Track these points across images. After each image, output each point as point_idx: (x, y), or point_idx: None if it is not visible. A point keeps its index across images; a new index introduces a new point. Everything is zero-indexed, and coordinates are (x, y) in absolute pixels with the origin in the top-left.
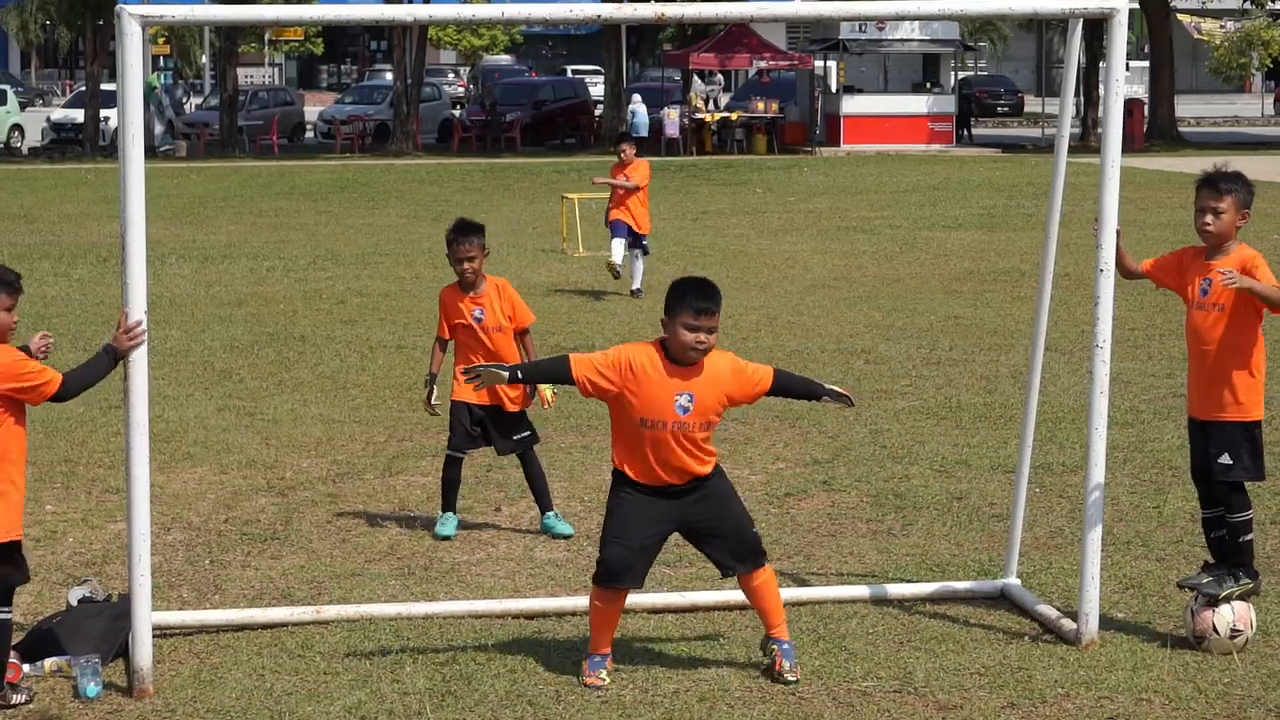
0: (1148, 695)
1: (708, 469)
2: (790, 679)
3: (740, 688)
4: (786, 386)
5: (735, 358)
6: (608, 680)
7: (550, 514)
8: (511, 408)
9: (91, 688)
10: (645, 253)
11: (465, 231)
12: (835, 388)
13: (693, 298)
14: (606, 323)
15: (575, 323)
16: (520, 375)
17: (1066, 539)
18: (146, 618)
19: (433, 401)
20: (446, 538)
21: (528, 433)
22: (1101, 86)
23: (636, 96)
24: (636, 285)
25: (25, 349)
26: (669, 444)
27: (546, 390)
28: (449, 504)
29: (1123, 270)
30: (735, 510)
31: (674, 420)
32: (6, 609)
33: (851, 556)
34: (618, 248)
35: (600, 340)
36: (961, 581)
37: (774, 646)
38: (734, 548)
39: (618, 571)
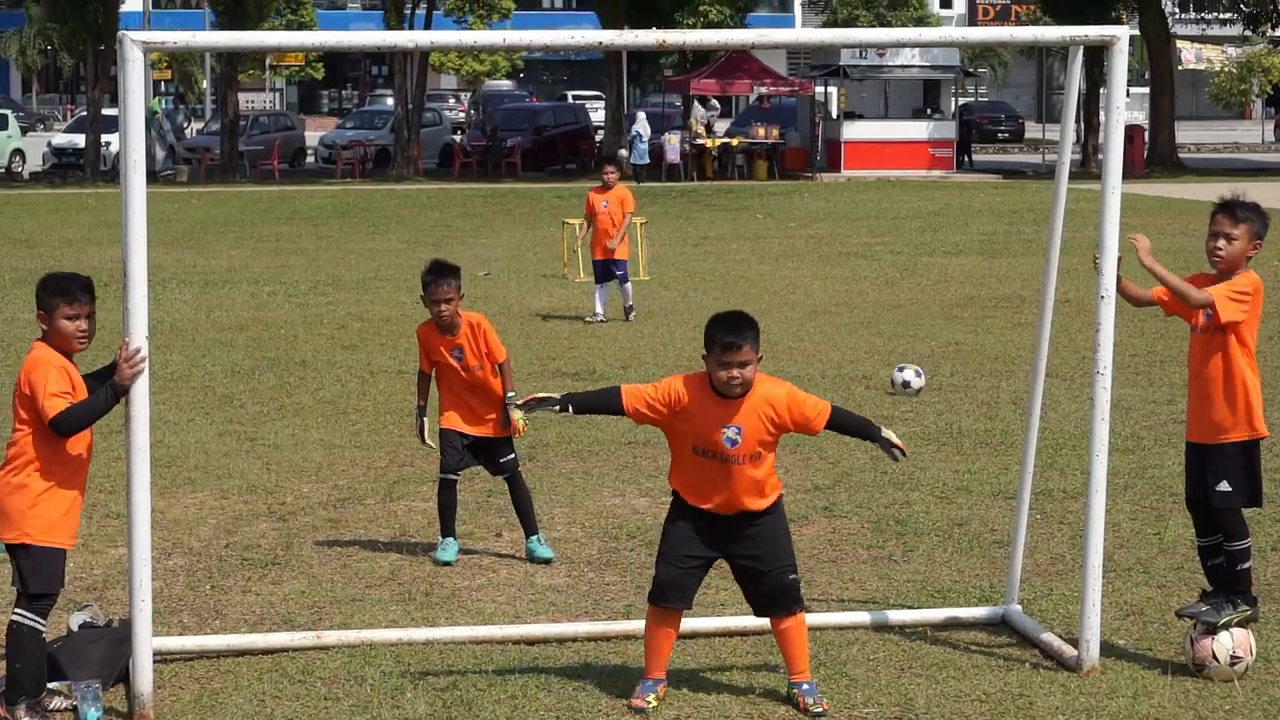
0: None
1: (761, 504)
2: (817, 711)
3: (741, 713)
4: (843, 423)
5: (793, 389)
6: (652, 704)
7: (534, 538)
8: (500, 434)
9: (92, 713)
10: (625, 279)
11: (441, 274)
12: (890, 436)
13: (719, 333)
14: (607, 348)
15: (576, 348)
16: (571, 407)
17: (1067, 565)
18: (147, 643)
19: (425, 434)
20: (447, 563)
21: (513, 455)
22: (1102, 113)
23: (641, 116)
24: (629, 303)
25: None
26: (719, 473)
27: (519, 420)
28: (448, 529)
29: (1131, 299)
30: (781, 553)
31: (724, 452)
32: (31, 617)
33: (852, 583)
34: (600, 298)
35: (601, 365)
36: (963, 608)
37: (795, 690)
38: (770, 591)
39: (664, 590)
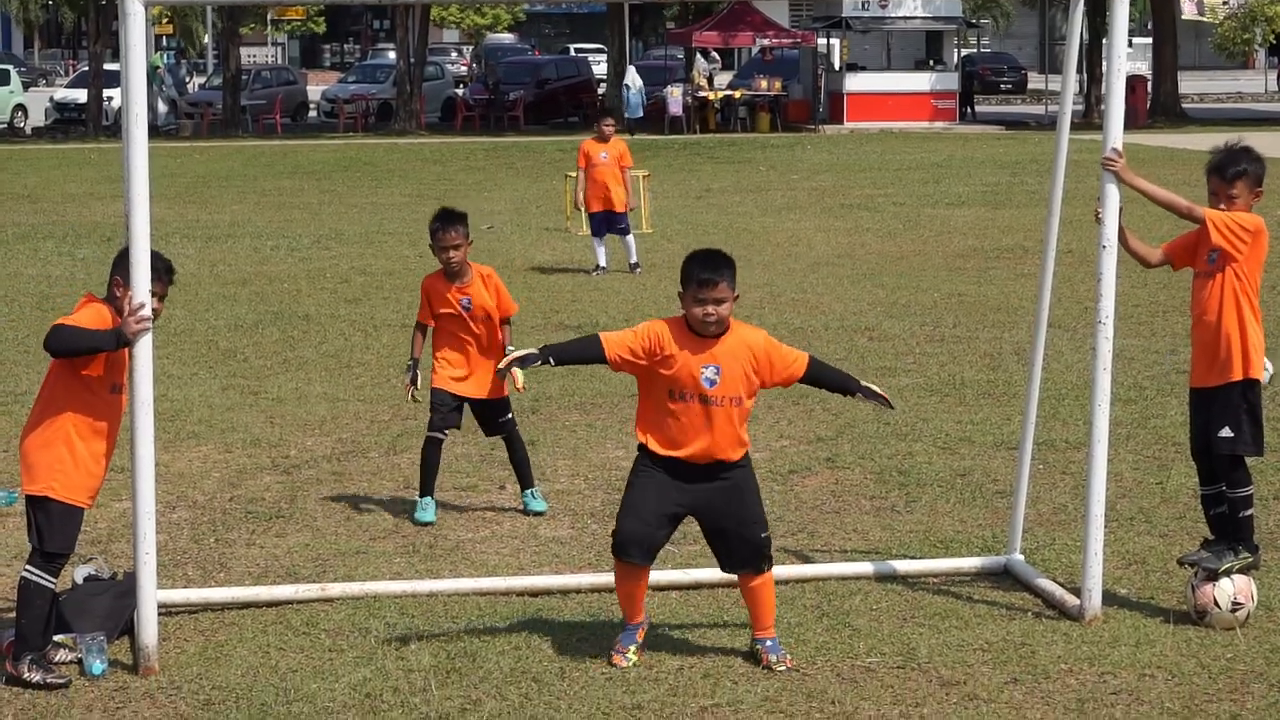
0: (1150, 670)
1: (735, 456)
2: (781, 669)
3: (744, 665)
4: (820, 376)
5: (769, 337)
6: (632, 660)
7: (529, 491)
8: (494, 396)
9: (97, 665)
10: (627, 231)
11: (449, 220)
12: (873, 386)
13: (696, 269)
14: (610, 300)
15: (579, 300)
16: (551, 358)
17: (1069, 515)
18: (152, 595)
19: (416, 386)
20: (428, 523)
21: (510, 416)
22: (1104, 63)
23: (631, 70)
24: (633, 259)
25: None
26: (697, 417)
27: (519, 377)
28: (428, 488)
29: (1141, 259)
30: (750, 510)
31: (700, 393)
32: (43, 575)
33: (855, 533)
34: (600, 251)
35: (604, 319)
36: (965, 558)
37: (758, 646)
38: (738, 547)
39: (626, 544)
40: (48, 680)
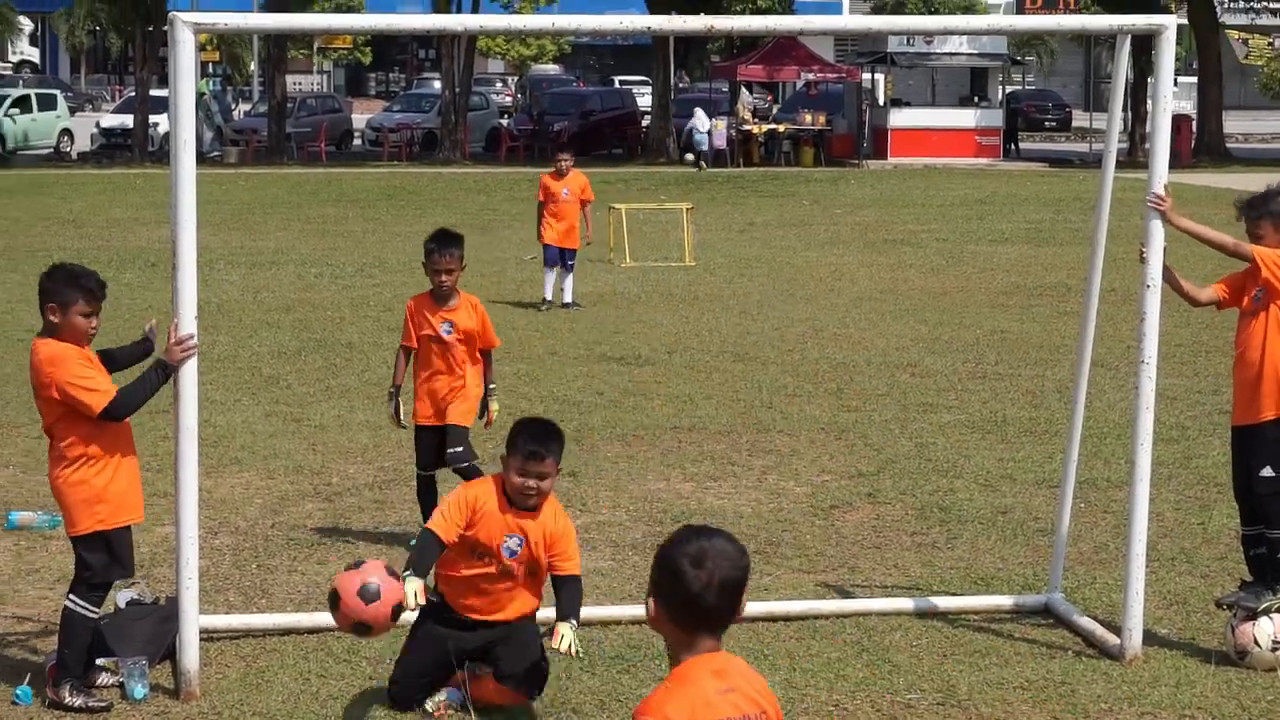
0: (1191, 712)
1: (517, 615)
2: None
3: (783, 698)
4: (564, 594)
5: (573, 533)
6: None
7: None
8: (458, 421)
9: (139, 689)
10: (571, 269)
11: (446, 242)
12: (562, 647)
13: (524, 440)
14: (652, 334)
15: (622, 333)
16: (416, 574)
17: (1111, 554)
18: (194, 621)
19: (401, 415)
20: None
21: (463, 449)
22: (1149, 102)
23: (699, 111)
24: (568, 299)
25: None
26: (492, 579)
27: (495, 411)
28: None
29: (1189, 299)
30: (528, 658)
31: (501, 560)
32: (86, 606)
33: (896, 569)
34: (550, 281)
35: (646, 350)
36: (1006, 595)
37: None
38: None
39: (397, 701)
40: (89, 705)
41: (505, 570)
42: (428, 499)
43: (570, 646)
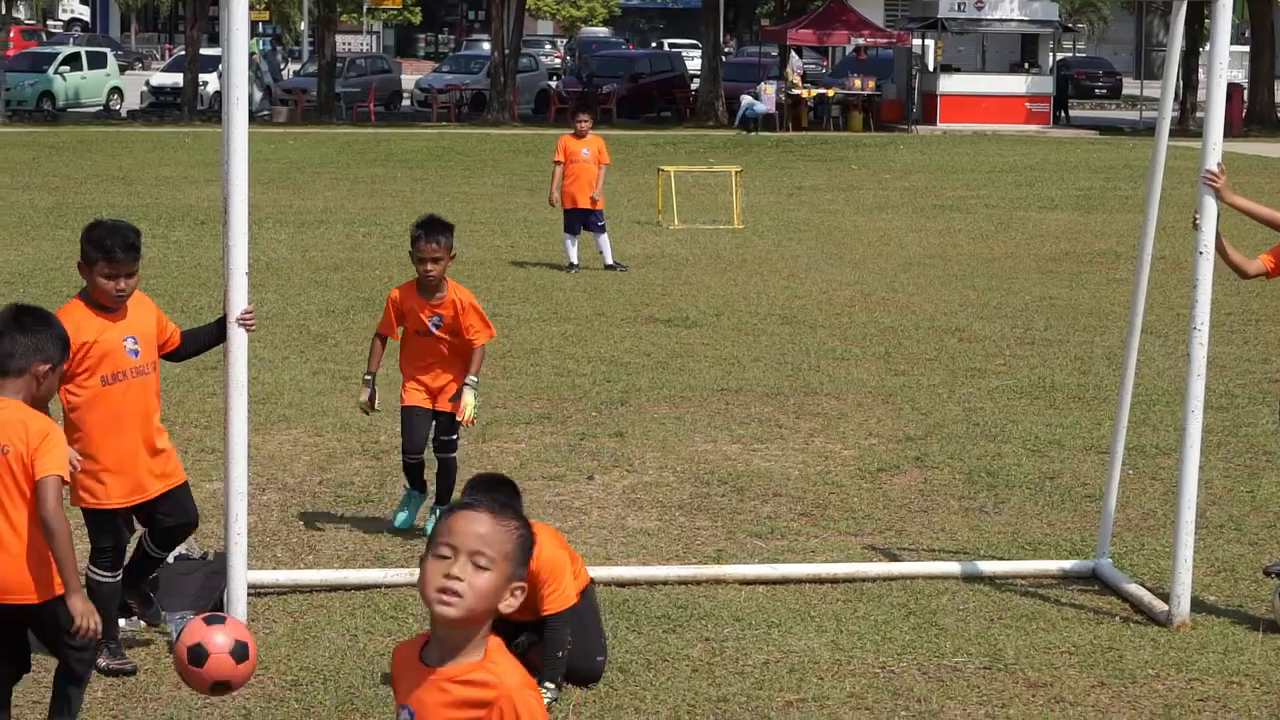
0: (1238, 679)
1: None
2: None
3: (830, 660)
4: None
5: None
6: None
7: (440, 508)
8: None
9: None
10: (603, 229)
11: (433, 229)
12: (554, 682)
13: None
14: (700, 296)
15: (669, 295)
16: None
17: (1159, 521)
18: (242, 576)
19: (375, 402)
20: (401, 527)
21: (456, 438)
22: (1201, 70)
23: (752, 96)
24: (610, 261)
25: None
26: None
27: (469, 408)
28: (419, 486)
29: (1238, 270)
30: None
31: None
32: (107, 573)
33: (943, 533)
34: (572, 249)
35: (694, 313)
36: (1053, 560)
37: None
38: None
39: None
40: (112, 667)
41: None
42: (418, 481)
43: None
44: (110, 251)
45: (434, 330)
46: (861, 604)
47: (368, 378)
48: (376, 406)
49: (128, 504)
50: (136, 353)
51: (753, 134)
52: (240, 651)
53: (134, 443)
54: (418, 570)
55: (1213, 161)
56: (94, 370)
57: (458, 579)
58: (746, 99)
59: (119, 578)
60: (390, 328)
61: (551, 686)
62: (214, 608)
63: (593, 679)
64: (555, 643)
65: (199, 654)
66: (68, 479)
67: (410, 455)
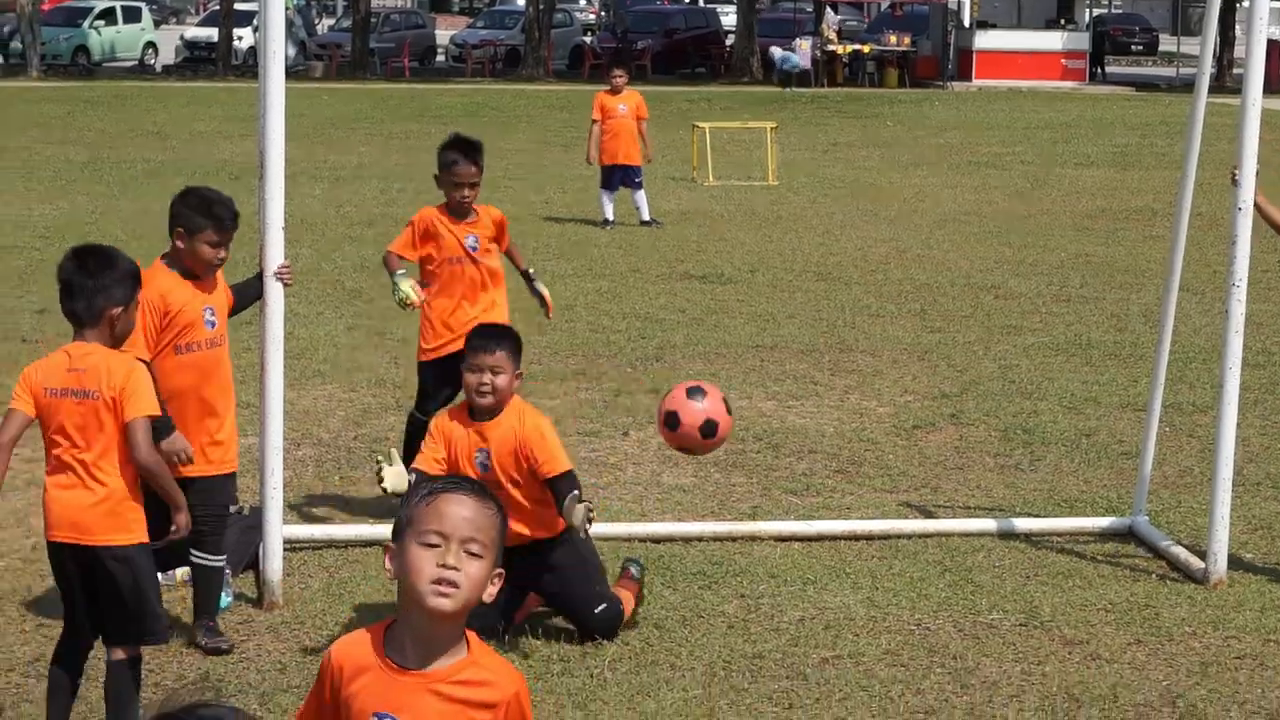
0: (1276, 636)
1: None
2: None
3: (865, 616)
4: (558, 493)
5: (548, 426)
6: None
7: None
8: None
9: (223, 598)
10: (640, 186)
11: (470, 151)
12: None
13: (472, 336)
14: (735, 252)
15: (704, 251)
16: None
17: (1196, 478)
18: (278, 531)
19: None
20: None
21: None
22: (1238, 26)
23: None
24: (645, 217)
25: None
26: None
27: (547, 294)
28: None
29: (1276, 227)
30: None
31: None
32: (216, 558)
33: (979, 490)
34: (608, 205)
35: (729, 269)
36: (1089, 518)
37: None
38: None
39: None
40: (209, 645)
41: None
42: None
43: (583, 521)
44: (220, 220)
45: (470, 251)
46: (897, 561)
47: (400, 272)
48: (423, 296)
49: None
50: (213, 324)
51: (789, 91)
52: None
53: (197, 413)
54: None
55: (1254, 115)
56: (173, 340)
57: (454, 569)
58: (779, 52)
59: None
60: (408, 248)
61: (577, 493)
62: (250, 563)
63: (596, 631)
64: (573, 483)
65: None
66: (158, 414)
67: (422, 414)
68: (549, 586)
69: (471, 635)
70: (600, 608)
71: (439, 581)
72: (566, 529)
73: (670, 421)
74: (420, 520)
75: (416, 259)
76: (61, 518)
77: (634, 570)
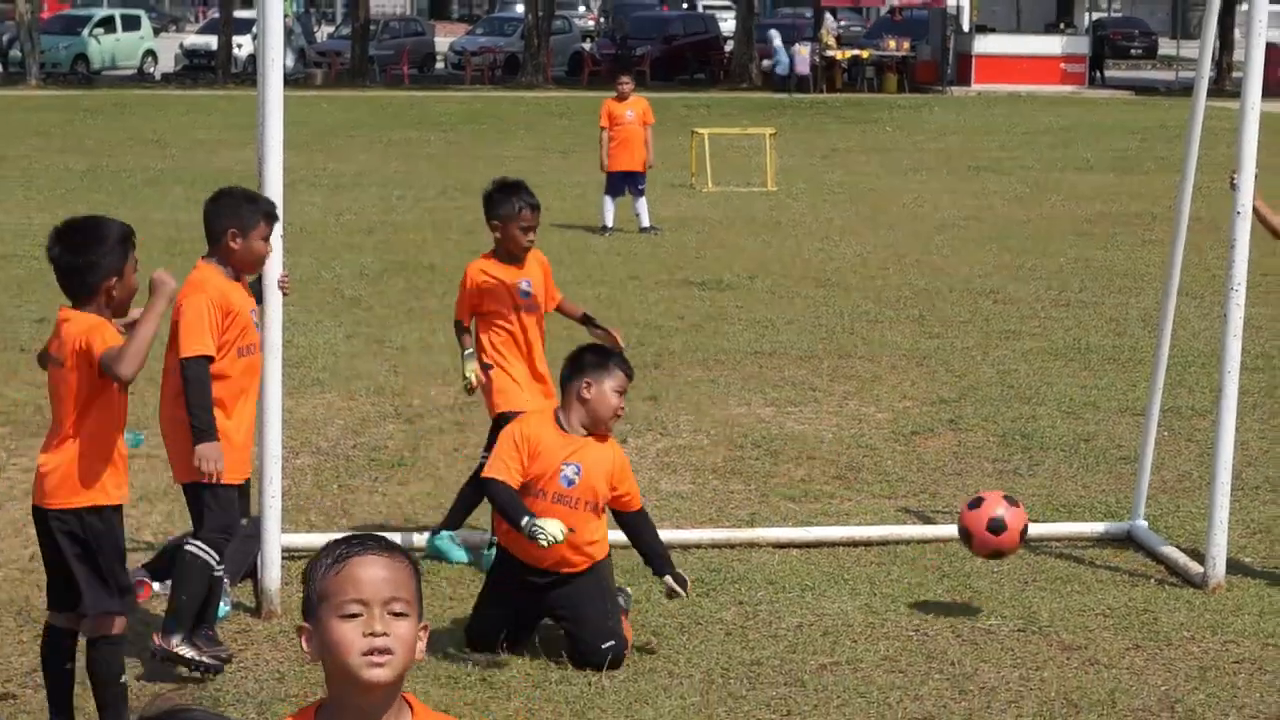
0: (1274, 640)
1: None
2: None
3: (863, 623)
4: (644, 536)
5: (626, 458)
6: None
7: (446, 534)
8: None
9: (221, 607)
10: (643, 193)
11: (532, 196)
12: (678, 574)
13: (619, 360)
14: (734, 259)
15: (703, 257)
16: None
17: (1194, 483)
18: (276, 540)
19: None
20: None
21: None
22: (1239, 30)
23: (774, 34)
24: (645, 224)
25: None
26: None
27: (472, 377)
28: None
29: (1273, 231)
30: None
31: (555, 492)
32: (216, 555)
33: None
34: (610, 211)
35: (728, 275)
36: (1088, 523)
37: None
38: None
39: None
40: (201, 659)
41: (561, 499)
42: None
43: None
44: (271, 214)
45: (524, 298)
46: (895, 567)
47: (468, 352)
48: (484, 376)
49: (242, 481)
50: (260, 326)
51: (785, 96)
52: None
53: (253, 415)
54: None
55: (1253, 119)
56: (233, 341)
57: (383, 634)
58: (776, 40)
59: (223, 566)
60: (467, 311)
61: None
62: (248, 572)
63: (596, 665)
64: (651, 528)
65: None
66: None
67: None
68: (565, 613)
69: (410, 696)
70: (609, 644)
71: (370, 652)
72: (602, 563)
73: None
74: (334, 592)
75: (467, 319)
76: (34, 482)
77: (622, 601)
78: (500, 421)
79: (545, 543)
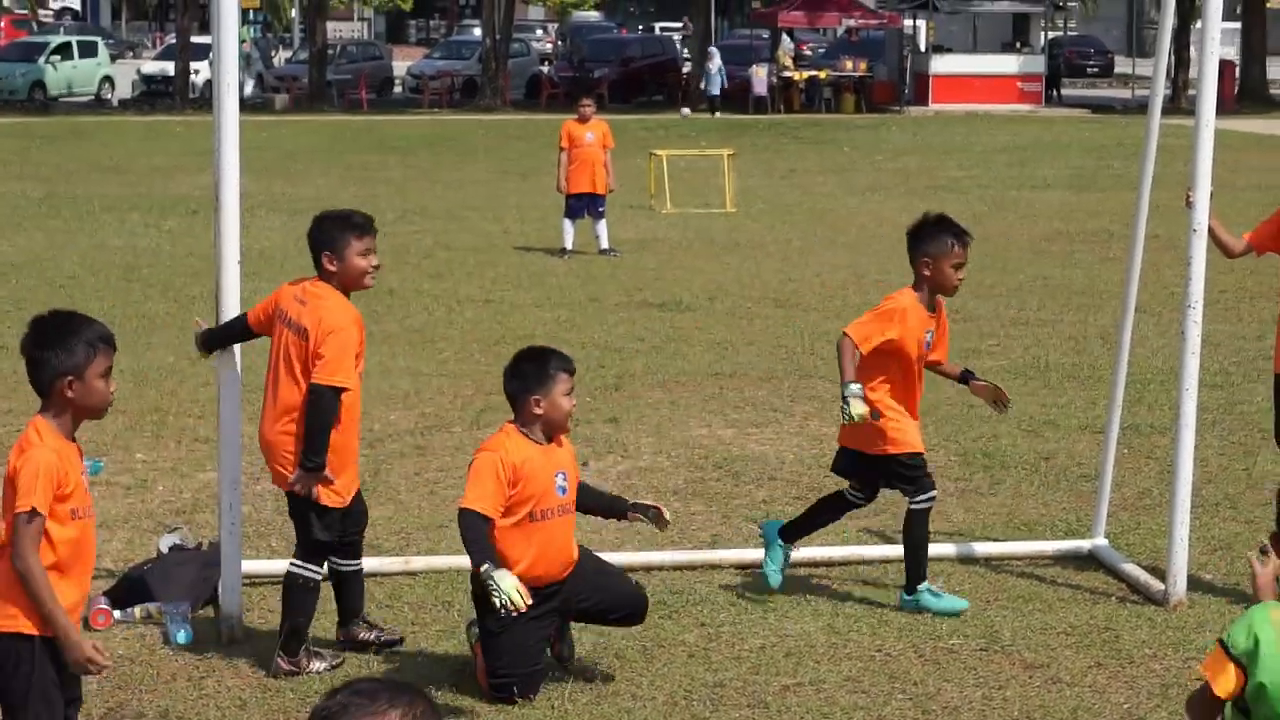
0: None
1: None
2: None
3: (826, 643)
4: (583, 498)
5: None
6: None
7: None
8: None
9: (181, 634)
10: (603, 215)
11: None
12: (643, 502)
13: (559, 360)
14: (694, 280)
15: (662, 279)
16: (490, 565)
17: (1154, 500)
18: (237, 566)
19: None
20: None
21: None
22: (1193, 48)
23: (713, 51)
24: (604, 246)
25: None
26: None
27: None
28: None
29: (1225, 249)
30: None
31: (556, 506)
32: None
33: (939, 515)
34: (570, 233)
35: (687, 296)
36: (1049, 541)
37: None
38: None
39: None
40: (328, 667)
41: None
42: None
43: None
44: (360, 226)
45: (926, 348)
46: (857, 587)
47: (856, 386)
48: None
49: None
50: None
51: (708, 115)
52: None
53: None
54: (412, 560)
55: (1207, 137)
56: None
57: None
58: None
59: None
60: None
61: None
62: (209, 598)
63: (643, 605)
64: (589, 488)
65: None
66: (42, 511)
67: None
68: (588, 595)
69: None
70: (639, 593)
71: None
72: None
73: None
74: None
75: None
76: None
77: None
78: None
79: (497, 601)
